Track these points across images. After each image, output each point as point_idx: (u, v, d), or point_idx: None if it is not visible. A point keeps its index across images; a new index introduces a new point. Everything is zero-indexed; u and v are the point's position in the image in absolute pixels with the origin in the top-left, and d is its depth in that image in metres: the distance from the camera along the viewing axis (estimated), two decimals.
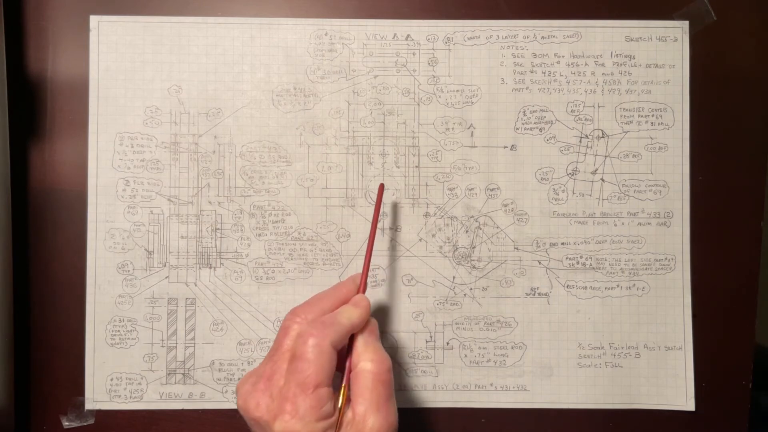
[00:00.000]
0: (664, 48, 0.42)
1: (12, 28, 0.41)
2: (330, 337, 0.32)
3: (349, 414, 0.32)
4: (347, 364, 0.33)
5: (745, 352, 0.42)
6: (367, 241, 0.38)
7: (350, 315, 0.33)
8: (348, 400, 0.32)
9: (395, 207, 0.42)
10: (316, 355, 0.31)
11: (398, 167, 0.42)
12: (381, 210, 0.40)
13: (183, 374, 0.42)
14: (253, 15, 0.42)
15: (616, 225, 0.42)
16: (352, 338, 0.34)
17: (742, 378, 0.42)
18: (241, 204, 0.42)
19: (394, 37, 0.42)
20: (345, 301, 0.35)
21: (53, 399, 0.42)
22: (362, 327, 0.34)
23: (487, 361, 0.42)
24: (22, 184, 0.42)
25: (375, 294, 0.42)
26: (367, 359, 0.33)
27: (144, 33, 0.42)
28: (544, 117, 0.42)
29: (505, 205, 0.42)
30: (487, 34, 0.42)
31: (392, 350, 0.42)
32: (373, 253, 0.42)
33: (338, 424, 0.31)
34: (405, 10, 0.43)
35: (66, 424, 0.42)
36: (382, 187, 0.39)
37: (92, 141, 0.42)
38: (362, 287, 0.36)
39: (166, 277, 0.42)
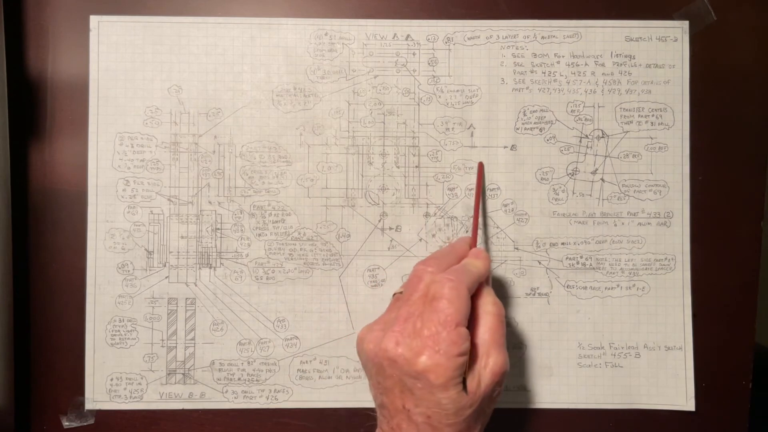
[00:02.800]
0: (664, 48, 0.42)
1: (12, 28, 0.41)
2: (465, 282, 0.34)
3: (471, 352, 0.34)
4: (471, 308, 0.35)
5: (745, 352, 0.42)
6: (473, 205, 0.42)
7: (476, 265, 0.36)
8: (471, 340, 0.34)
9: (395, 207, 0.42)
10: (455, 296, 0.33)
11: (398, 167, 0.42)
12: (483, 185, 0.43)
13: (183, 374, 0.42)
14: (253, 15, 0.42)
15: (616, 225, 0.42)
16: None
17: (742, 378, 0.42)
18: (241, 204, 0.42)
19: (394, 37, 0.42)
20: (463, 257, 0.38)
21: (53, 399, 0.42)
22: (486, 277, 0.37)
23: None
24: (22, 184, 0.42)
25: (375, 294, 0.42)
26: (488, 303, 0.35)
27: (144, 33, 0.42)
28: (544, 117, 0.42)
29: (505, 205, 0.42)
30: (487, 34, 0.42)
31: None
32: (374, 253, 0.42)
33: (470, 359, 0.33)
34: (405, 10, 0.43)
35: (66, 424, 0.42)
36: (481, 165, 0.42)
37: (92, 141, 0.42)
38: (474, 243, 0.39)
39: (166, 277, 0.42)
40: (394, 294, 0.38)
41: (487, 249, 0.42)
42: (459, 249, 0.38)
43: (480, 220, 0.42)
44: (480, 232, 0.42)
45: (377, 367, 0.33)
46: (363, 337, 0.35)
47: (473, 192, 0.42)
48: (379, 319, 0.35)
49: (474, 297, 0.35)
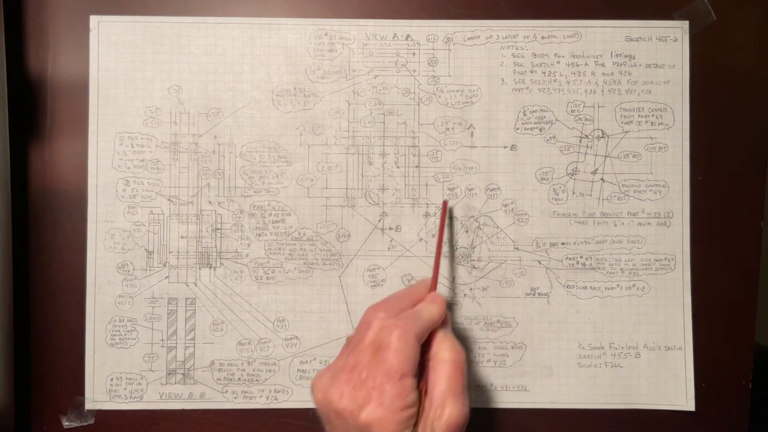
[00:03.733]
0: (664, 48, 0.42)
1: (12, 28, 0.41)
2: (415, 330, 0.33)
3: (426, 403, 0.33)
4: (426, 355, 0.34)
5: (745, 352, 0.42)
6: (436, 245, 0.40)
7: (430, 310, 0.35)
8: (426, 390, 0.33)
9: (395, 207, 0.42)
10: (402, 345, 0.32)
11: (398, 167, 0.42)
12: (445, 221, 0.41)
13: (183, 374, 0.42)
14: (253, 15, 0.42)
15: (616, 225, 0.42)
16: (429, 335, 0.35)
17: (742, 378, 0.42)
18: (241, 204, 0.42)
19: (394, 37, 0.42)
20: (419, 301, 0.37)
21: (53, 399, 0.42)
22: (441, 323, 0.36)
23: (487, 361, 0.42)
24: (22, 184, 0.42)
25: (375, 294, 0.42)
26: (445, 349, 0.34)
27: (144, 33, 0.42)
28: (544, 117, 0.42)
29: (505, 205, 0.42)
30: (487, 34, 0.42)
31: None
32: (373, 253, 0.42)
33: (420, 411, 0.32)
34: (405, 10, 0.43)
35: (66, 424, 0.42)
36: (446, 204, 0.41)
37: (92, 141, 0.42)
38: (433, 287, 0.38)
39: (166, 277, 0.42)
40: (348, 337, 0.37)
41: (449, 290, 0.42)
42: (416, 292, 0.37)
43: (446, 253, 0.41)
44: (446, 261, 0.42)
45: (326, 417, 0.33)
46: (313, 385, 0.34)
47: (473, 191, 0.42)
48: (330, 365, 0.34)
49: (429, 343, 0.34)
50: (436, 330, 0.35)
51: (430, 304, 0.36)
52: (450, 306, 0.42)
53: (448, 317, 0.37)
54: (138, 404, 0.42)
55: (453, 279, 0.42)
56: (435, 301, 0.36)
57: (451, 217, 0.42)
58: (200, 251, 0.42)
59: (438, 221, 0.42)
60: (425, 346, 0.34)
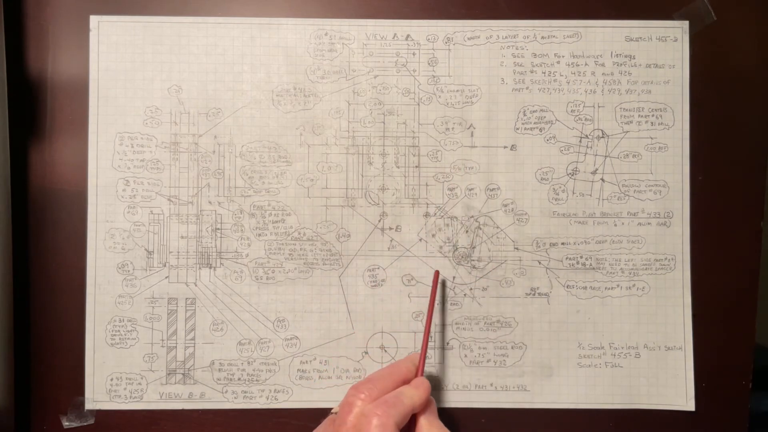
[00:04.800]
0: (664, 48, 0.42)
1: (12, 28, 0.41)
2: (394, 417, 0.33)
3: None
4: None
5: (745, 352, 0.42)
6: (425, 324, 0.40)
7: (412, 395, 0.35)
8: None
9: (395, 207, 0.42)
10: None
11: (398, 167, 0.42)
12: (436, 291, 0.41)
13: (183, 374, 0.42)
14: (253, 15, 0.42)
15: (616, 225, 0.42)
16: (412, 418, 0.35)
17: (742, 378, 0.42)
18: (241, 204, 0.42)
19: (394, 37, 0.42)
20: (404, 381, 0.36)
21: (53, 399, 0.42)
22: (424, 407, 0.35)
23: (487, 361, 0.42)
24: (22, 184, 0.42)
25: (375, 294, 0.42)
26: None
27: (144, 33, 0.42)
28: (544, 117, 0.42)
29: (505, 205, 0.42)
30: (487, 34, 0.42)
31: (392, 351, 0.42)
32: (373, 253, 0.42)
33: None
34: (405, 10, 0.43)
35: (66, 424, 0.42)
36: (437, 274, 0.41)
37: (92, 141, 0.42)
38: (420, 370, 0.38)
39: (166, 277, 0.42)
40: (331, 411, 0.37)
41: (449, 290, 0.42)
42: (401, 370, 0.37)
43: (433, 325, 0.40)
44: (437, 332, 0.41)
45: None
46: None
47: (473, 191, 0.42)
48: None
49: (417, 430, 0.35)
50: (420, 416, 0.35)
51: (414, 389, 0.35)
52: (449, 312, 0.42)
53: (432, 403, 0.36)
54: (138, 404, 0.42)
55: (453, 279, 0.42)
56: (419, 387, 0.36)
57: (443, 287, 0.42)
58: (200, 251, 0.42)
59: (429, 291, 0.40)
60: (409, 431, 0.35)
